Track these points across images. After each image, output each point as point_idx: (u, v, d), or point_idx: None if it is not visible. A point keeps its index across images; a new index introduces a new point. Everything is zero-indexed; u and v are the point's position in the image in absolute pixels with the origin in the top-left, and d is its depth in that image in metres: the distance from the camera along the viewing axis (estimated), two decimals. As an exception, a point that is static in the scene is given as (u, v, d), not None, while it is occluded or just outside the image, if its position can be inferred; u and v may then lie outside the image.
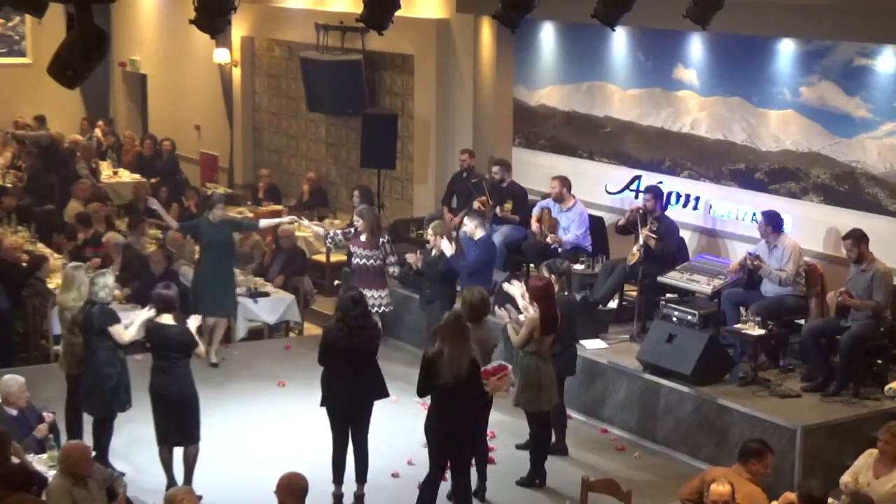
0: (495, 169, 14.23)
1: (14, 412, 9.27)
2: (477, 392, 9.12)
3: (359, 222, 12.75)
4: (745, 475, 7.75)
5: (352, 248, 12.89)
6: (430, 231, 12.55)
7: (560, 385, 10.45)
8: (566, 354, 10.45)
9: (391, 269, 12.83)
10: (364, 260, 12.68)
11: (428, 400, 9.26)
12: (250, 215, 16.66)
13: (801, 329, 11.13)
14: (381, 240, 12.74)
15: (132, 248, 14.41)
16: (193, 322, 9.81)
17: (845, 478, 8.27)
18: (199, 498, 8.24)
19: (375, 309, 12.22)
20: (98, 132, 22.06)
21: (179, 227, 13.66)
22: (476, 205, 13.87)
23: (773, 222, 11.46)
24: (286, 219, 13.92)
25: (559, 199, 13.25)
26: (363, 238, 12.69)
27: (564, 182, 13.33)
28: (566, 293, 10.53)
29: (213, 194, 15.09)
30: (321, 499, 9.40)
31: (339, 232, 13.46)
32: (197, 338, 9.67)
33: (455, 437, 9.08)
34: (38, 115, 21.65)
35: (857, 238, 10.69)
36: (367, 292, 11.65)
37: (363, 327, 9.54)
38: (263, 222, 14.05)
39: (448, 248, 12.08)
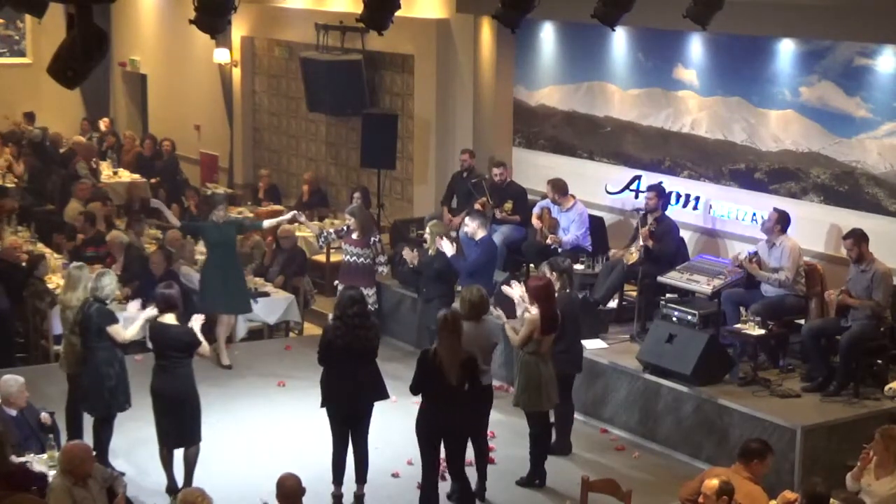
0: (498, 171, 14.21)
1: (14, 412, 9.27)
2: (471, 389, 9.12)
3: (350, 220, 12.82)
4: (746, 474, 7.76)
5: (343, 245, 12.98)
6: (427, 230, 12.61)
7: (568, 383, 10.49)
8: (572, 352, 10.46)
9: (380, 269, 12.92)
10: (354, 258, 12.79)
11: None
12: (250, 215, 16.66)
13: (801, 329, 11.12)
14: (372, 238, 12.81)
15: (134, 247, 14.43)
16: (197, 322, 9.79)
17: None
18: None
19: None
20: (103, 126, 22.10)
21: (181, 225, 13.75)
22: (476, 206, 13.88)
23: (783, 221, 11.42)
24: (287, 216, 13.94)
25: (555, 202, 13.25)
26: (354, 236, 12.76)
27: (555, 187, 13.28)
28: (567, 290, 10.54)
29: (215, 195, 15.11)
30: (321, 499, 9.42)
31: (331, 231, 13.58)
32: (201, 337, 9.67)
33: (448, 434, 9.10)
34: (27, 112, 21.64)
35: (858, 237, 10.69)
36: None
37: (361, 326, 9.53)
38: (267, 222, 14.02)
39: (449, 248, 12.11)
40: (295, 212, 13.91)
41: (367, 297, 12.49)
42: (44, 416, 9.54)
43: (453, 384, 8.89)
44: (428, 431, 9.10)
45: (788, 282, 11.21)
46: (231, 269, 12.89)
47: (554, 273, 10.36)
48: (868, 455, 8.25)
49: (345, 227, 13.09)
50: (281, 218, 14.07)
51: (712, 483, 7.43)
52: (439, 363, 8.91)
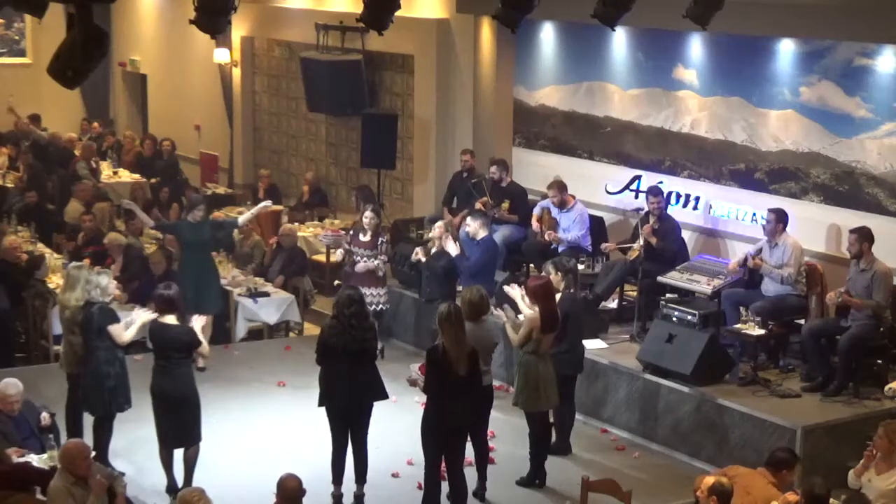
0: (493, 168, 14.21)
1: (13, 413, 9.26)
2: (476, 383, 9.14)
3: (368, 219, 12.71)
4: (772, 480, 7.77)
5: (353, 247, 12.91)
6: (435, 228, 12.59)
7: (571, 383, 10.48)
8: (573, 352, 10.45)
9: (380, 269, 12.90)
10: (364, 259, 12.73)
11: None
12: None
13: (801, 329, 11.12)
14: (380, 239, 12.81)
15: (134, 248, 14.42)
16: (198, 322, 9.81)
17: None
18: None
19: (373, 307, 12.26)
20: (96, 126, 22.19)
21: (156, 226, 13.74)
22: (477, 205, 13.88)
23: (782, 219, 11.43)
24: (260, 205, 13.81)
25: (561, 205, 13.24)
26: (366, 238, 12.73)
27: (561, 188, 13.29)
28: (571, 290, 10.53)
29: (193, 195, 15.08)
30: (321, 499, 9.42)
31: (345, 241, 13.23)
32: (201, 337, 9.68)
33: (455, 430, 9.11)
34: (33, 115, 21.64)
35: (863, 235, 10.69)
36: (366, 291, 11.79)
37: (357, 327, 9.52)
38: (242, 218, 13.70)
39: (453, 249, 12.14)
40: (267, 203, 13.91)
41: (379, 297, 12.70)
42: (44, 416, 9.53)
43: (462, 375, 8.92)
44: (436, 428, 9.08)
45: (791, 278, 11.21)
46: (205, 269, 12.78)
47: (559, 273, 10.36)
48: (872, 452, 8.26)
49: (351, 231, 13.04)
50: (253, 211, 13.74)
51: (707, 480, 7.42)
52: (447, 356, 8.93)
